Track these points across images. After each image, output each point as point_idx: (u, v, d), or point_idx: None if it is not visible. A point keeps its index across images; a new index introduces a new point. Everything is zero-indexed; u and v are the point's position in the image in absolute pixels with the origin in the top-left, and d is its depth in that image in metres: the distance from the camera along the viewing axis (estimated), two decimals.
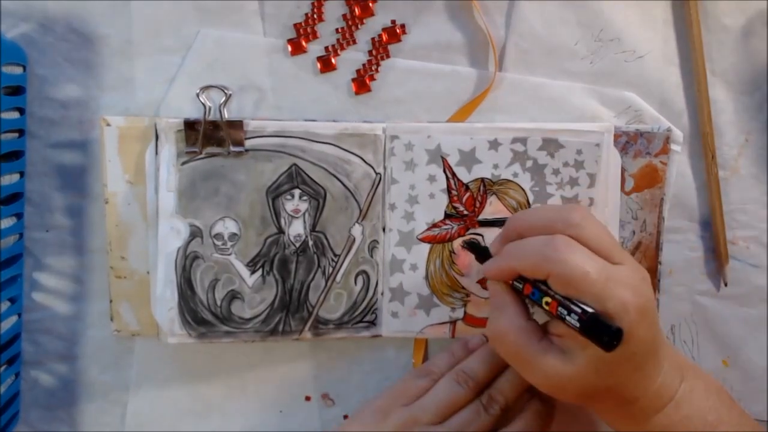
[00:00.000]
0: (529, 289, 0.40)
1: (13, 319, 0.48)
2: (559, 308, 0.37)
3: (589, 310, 0.36)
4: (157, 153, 0.46)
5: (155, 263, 0.46)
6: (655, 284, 0.48)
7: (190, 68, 0.48)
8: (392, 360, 0.50)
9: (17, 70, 0.47)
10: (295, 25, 0.48)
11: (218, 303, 0.47)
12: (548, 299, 0.38)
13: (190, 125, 0.45)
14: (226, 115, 0.46)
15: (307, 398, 0.51)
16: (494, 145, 0.47)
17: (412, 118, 0.48)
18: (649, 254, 0.48)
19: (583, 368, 0.37)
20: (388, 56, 0.48)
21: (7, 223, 0.47)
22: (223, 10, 0.48)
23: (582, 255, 0.37)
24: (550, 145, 0.47)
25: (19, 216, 0.48)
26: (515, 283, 0.40)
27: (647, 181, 0.48)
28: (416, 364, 0.50)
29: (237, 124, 0.46)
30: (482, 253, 0.44)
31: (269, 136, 0.46)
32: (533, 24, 0.48)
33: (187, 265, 0.46)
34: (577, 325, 0.36)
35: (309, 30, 0.48)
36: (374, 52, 0.48)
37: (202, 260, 0.46)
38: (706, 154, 0.49)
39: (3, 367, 0.47)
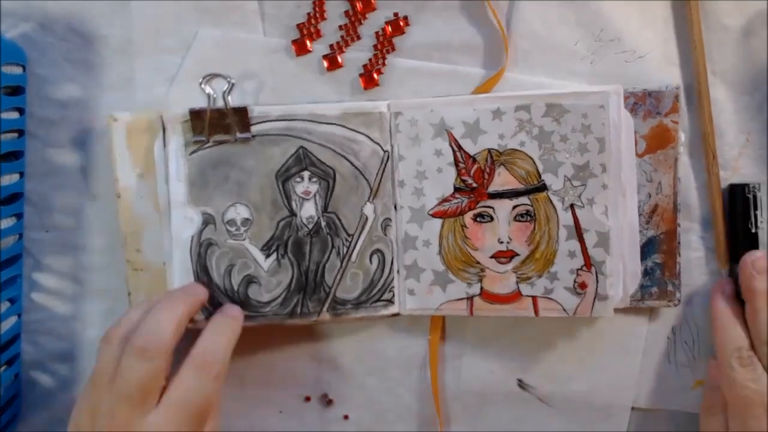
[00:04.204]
0: None
1: (13, 319, 0.48)
2: None
3: None
4: (165, 145, 0.46)
5: (170, 253, 0.46)
6: (676, 247, 0.48)
7: (190, 68, 0.48)
8: (393, 359, 0.50)
9: (17, 70, 0.47)
10: (298, 25, 0.48)
11: (235, 288, 0.47)
12: None
13: (195, 114, 0.46)
14: (231, 103, 0.46)
15: (307, 398, 0.51)
16: (498, 114, 0.47)
17: None
18: (667, 216, 0.48)
19: None
20: (393, 49, 0.48)
21: (7, 223, 0.47)
22: (223, 10, 0.48)
23: None
24: (554, 110, 0.46)
25: (19, 216, 0.48)
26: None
27: (659, 142, 0.48)
28: (433, 343, 0.50)
29: (242, 111, 0.46)
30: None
31: (275, 120, 0.46)
32: (533, 24, 0.48)
33: (201, 252, 0.46)
34: None
35: (312, 29, 0.48)
36: (379, 47, 0.48)
37: (217, 247, 0.46)
38: (707, 154, 0.49)
39: (3, 368, 0.47)
